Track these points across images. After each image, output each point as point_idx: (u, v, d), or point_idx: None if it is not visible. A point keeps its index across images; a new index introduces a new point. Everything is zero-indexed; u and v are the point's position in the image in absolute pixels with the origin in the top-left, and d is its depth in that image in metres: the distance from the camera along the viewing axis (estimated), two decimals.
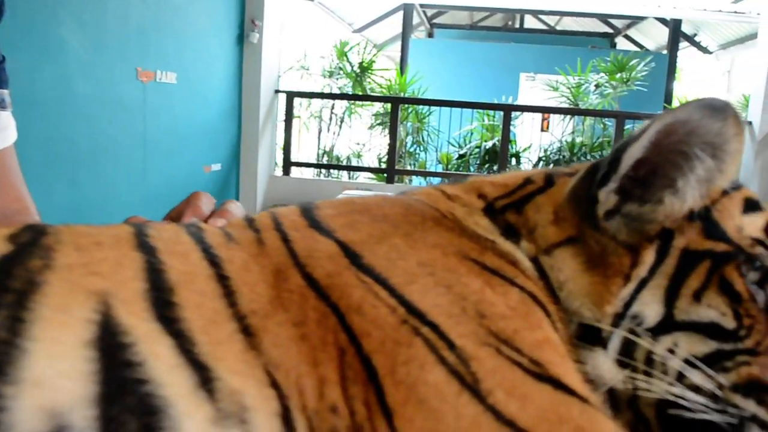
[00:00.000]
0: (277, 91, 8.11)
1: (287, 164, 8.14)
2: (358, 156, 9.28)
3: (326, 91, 9.00)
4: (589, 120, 8.79)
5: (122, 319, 0.46)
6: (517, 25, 16.40)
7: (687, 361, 0.57)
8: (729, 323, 0.57)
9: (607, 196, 0.62)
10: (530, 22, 16.39)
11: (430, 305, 0.51)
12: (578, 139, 8.70)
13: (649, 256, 0.61)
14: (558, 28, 16.50)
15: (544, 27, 16.30)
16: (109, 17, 5.03)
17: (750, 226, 0.62)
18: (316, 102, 8.79)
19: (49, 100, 4.38)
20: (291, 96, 8.08)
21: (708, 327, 0.57)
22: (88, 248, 0.52)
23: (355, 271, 0.54)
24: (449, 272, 0.55)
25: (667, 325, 0.58)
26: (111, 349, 0.44)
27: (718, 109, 0.58)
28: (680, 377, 0.56)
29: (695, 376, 0.56)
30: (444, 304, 0.51)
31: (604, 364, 0.59)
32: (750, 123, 7.31)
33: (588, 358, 0.59)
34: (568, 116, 8.88)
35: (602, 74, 9.17)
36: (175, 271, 0.52)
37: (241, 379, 0.46)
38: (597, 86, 9.09)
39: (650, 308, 0.59)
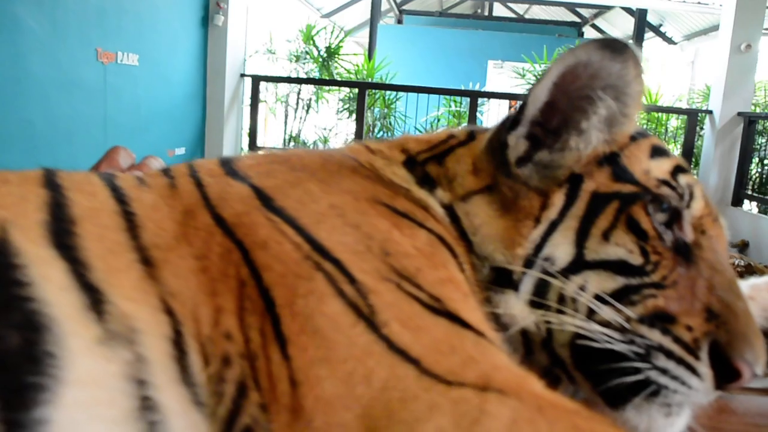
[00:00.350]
0: (242, 75, 8.02)
1: (253, 149, 8.06)
2: (325, 141, 9.23)
3: (293, 75, 8.92)
4: None
5: (17, 243, 0.47)
6: (486, 13, 16.46)
7: (597, 297, 0.59)
8: (636, 260, 0.60)
9: (516, 141, 0.65)
10: (499, 11, 16.47)
11: (335, 243, 0.53)
12: None
13: (558, 199, 0.63)
14: (526, 16, 16.60)
15: (512, 15, 16.38)
16: None
17: (656, 169, 0.65)
18: (283, 86, 8.70)
19: (2, 80, 4.27)
20: (257, 80, 7.99)
21: (616, 264, 0.60)
22: None
23: (265, 211, 0.55)
24: (359, 214, 0.57)
25: (578, 264, 0.61)
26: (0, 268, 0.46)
27: (617, 50, 0.60)
28: (591, 313, 0.59)
29: (605, 311, 0.58)
30: (349, 242, 0.53)
31: (516, 305, 0.61)
32: (710, 112, 7.46)
33: (500, 301, 0.61)
34: None
35: None
36: (79, 206, 0.53)
37: (134, 304, 0.48)
38: None
39: (561, 249, 0.61)
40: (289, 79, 8.75)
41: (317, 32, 8.90)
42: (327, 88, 8.90)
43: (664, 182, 0.63)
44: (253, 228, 0.54)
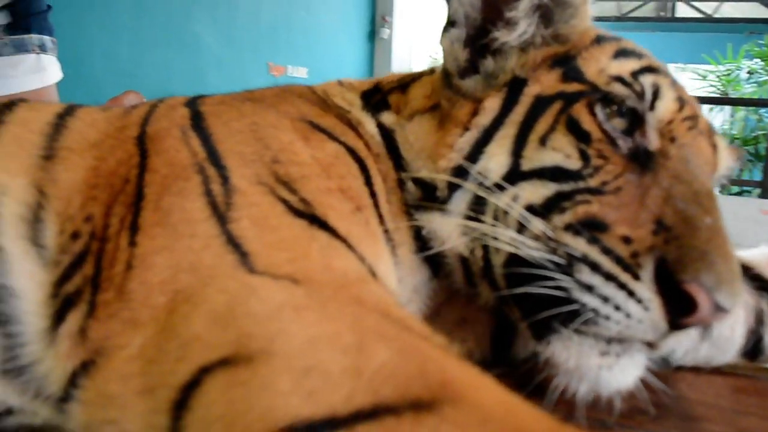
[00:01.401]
0: None
1: None
2: None
3: None
4: (742, 111, 8.01)
5: None
6: (669, 15, 15.42)
7: (529, 208, 0.52)
8: (573, 164, 0.52)
9: (451, 45, 0.60)
10: (682, 11, 15.34)
11: (229, 152, 0.54)
12: (731, 132, 7.96)
13: (493, 104, 0.57)
14: (715, 15, 15.30)
15: (698, 15, 15.18)
16: (242, 14, 5.36)
17: (615, 67, 0.56)
18: None
19: (182, 91, 4.73)
20: None
21: (551, 170, 0.53)
22: None
23: (186, 128, 0.58)
24: (271, 128, 0.58)
25: (514, 175, 0.54)
26: None
27: None
28: (521, 227, 0.52)
29: (533, 223, 0.51)
30: (245, 152, 0.54)
31: (443, 223, 0.56)
32: None
33: (424, 219, 0.57)
34: (719, 107, 8.15)
35: (756, 60, 8.31)
36: (20, 118, 0.62)
37: (9, 177, 0.55)
38: (750, 73, 8.26)
39: (495, 161, 0.55)
40: None
41: None
42: None
43: (618, 79, 0.54)
44: (161, 140, 0.57)
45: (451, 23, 0.60)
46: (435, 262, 0.59)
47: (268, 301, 0.40)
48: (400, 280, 0.56)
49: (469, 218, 0.55)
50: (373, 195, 0.57)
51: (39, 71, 1.21)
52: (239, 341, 0.37)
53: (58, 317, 0.49)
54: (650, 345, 0.49)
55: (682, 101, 0.56)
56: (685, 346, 0.61)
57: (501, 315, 0.60)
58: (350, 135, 0.60)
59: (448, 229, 0.56)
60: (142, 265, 0.47)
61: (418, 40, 8.51)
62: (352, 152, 0.58)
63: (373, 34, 7.73)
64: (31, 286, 0.51)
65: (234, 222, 0.48)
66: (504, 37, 0.58)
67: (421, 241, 0.59)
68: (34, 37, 1.20)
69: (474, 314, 0.60)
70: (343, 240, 0.48)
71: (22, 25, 1.19)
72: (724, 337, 0.59)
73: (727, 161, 0.60)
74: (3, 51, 1.17)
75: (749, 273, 0.62)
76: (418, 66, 8.45)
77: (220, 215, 0.49)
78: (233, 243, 0.47)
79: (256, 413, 0.33)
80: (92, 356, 0.45)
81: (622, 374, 0.49)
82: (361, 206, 0.53)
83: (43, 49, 1.22)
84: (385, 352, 0.35)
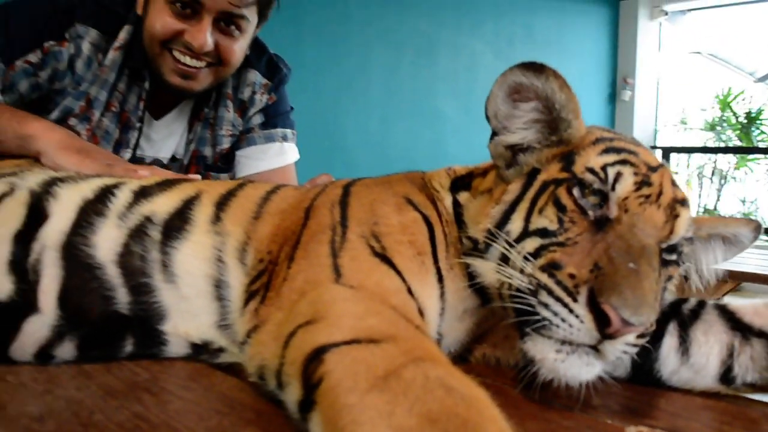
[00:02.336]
0: (653, 147, 7.91)
1: None
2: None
3: (708, 145, 8.39)
4: None
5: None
6: None
7: (526, 256, 0.72)
8: (552, 226, 0.72)
9: (495, 148, 0.85)
10: None
11: (352, 218, 0.81)
12: None
13: (515, 187, 0.80)
14: None
15: None
16: (480, 86, 5.71)
17: (594, 161, 0.75)
18: (697, 157, 8.24)
19: (425, 159, 5.17)
20: (667, 151, 7.78)
21: (541, 231, 0.73)
22: None
23: (335, 203, 0.87)
24: (380, 203, 0.84)
25: (523, 235, 0.75)
26: None
27: (538, 69, 0.77)
28: (522, 269, 0.72)
29: (525, 265, 0.72)
30: (361, 218, 0.81)
31: (482, 266, 0.77)
32: None
33: (474, 262, 0.79)
34: None
35: None
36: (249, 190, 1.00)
37: (233, 227, 0.88)
38: None
39: (515, 225, 0.76)
40: (703, 149, 8.27)
41: (734, 98, 8.23)
42: (750, 156, 8.10)
43: (590, 170, 0.73)
44: (318, 209, 0.86)
45: (494, 134, 0.86)
46: (484, 294, 0.81)
47: (334, 295, 0.69)
48: (452, 304, 0.80)
49: (499, 263, 0.76)
50: (433, 246, 0.81)
51: (281, 155, 1.62)
52: (314, 313, 0.65)
53: (245, 302, 0.81)
54: (595, 349, 0.66)
55: (641, 184, 0.74)
56: (669, 367, 0.77)
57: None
58: (430, 208, 0.86)
59: (486, 269, 0.77)
60: (290, 279, 0.76)
61: (662, 101, 8.19)
62: (426, 219, 0.83)
63: (613, 96, 7.63)
64: (236, 283, 0.84)
65: (340, 258, 0.77)
66: (508, 139, 0.83)
67: (473, 278, 0.81)
68: (279, 131, 1.61)
69: (514, 332, 0.78)
70: (397, 271, 0.74)
71: (271, 123, 1.60)
72: (700, 364, 0.75)
73: (684, 227, 0.75)
74: (257, 141, 1.58)
75: (732, 317, 0.76)
76: (663, 128, 8.10)
77: (335, 254, 0.77)
78: (335, 269, 0.75)
79: (311, 341, 0.59)
80: (258, 324, 0.76)
81: (573, 367, 0.67)
82: (421, 252, 0.79)
83: (285, 139, 1.63)
84: (377, 322, 0.62)
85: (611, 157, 0.76)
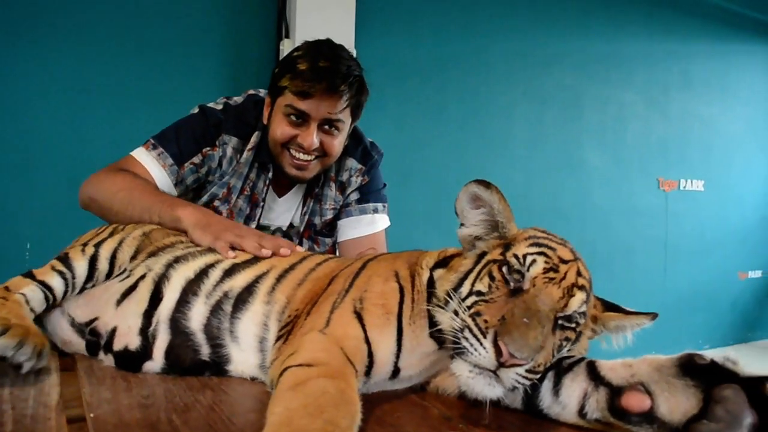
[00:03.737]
0: None
1: None
2: None
3: None
4: None
5: None
6: None
7: (464, 310, 0.99)
8: (484, 289, 0.98)
9: (464, 235, 1.12)
10: None
11: (355, 286, 1.11)
12: None
13: (469, 262, 1.08)
14: None
15: None
16: (630, 135, 5.71)
17: (519, 250, 1.01)
18: None
19: (570, 210, 5.27)
20: None
21: (477, 292, 0.99)
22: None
23: (351, 274, 1.17)
24: (376, 275, 1.13)
25: (469, 294, 1.01)
26: None
27: (486, 185, 1.04)
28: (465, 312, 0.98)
29: (464, 314, 0.98)
30: (360, 285, 1.10)
31: (443, 316, 1.03)
32: None
33: (438, 315, 1.05)
34: None
35: None
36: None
37: (280, 295, 1.18)
38: None
39: (465, 288, 1.02)
40: None
41: None
42: None
43: (515, 256, 0.98)
44: (337, 279, 1.17)
45: (461, 225, 1.12)
46: (440, 340, 1.07)
47: (311, 338, 1.00)
48: (409, 347, 1.06)
49: (452, 314, 1.01)
50: (400, 308, 1.08)
51: (372, 224, 2.00)
52: (296, 348, 0.96)
53: (275, 341, 1.11)
54: (495, 374, 0.90)
55: (551, 267, 0.98)
56: (546, 403, 0.98)
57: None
58: (408, 281, 1.13)
59: (444, 318, 1.02)
60: (303, 327, 1.05)
61: None
62: (401, 288, 1.11)
63: None
64: (272, 337, 1.14)
65: (333, 313, 1.05)
66: (467, 230, 1.11)
67: (434, 325, 1.06)
68: (371, 205, 2.00)
69: None
70: (362, 324, 1.03)
71: (364, 199, 2.01)
72: (565, 402, 0.94)
73: (577, 305, 0.97)
74: (353, 213, 1.98)
75: (593, 369, 0.94)
76: None
77: (332, 310, 1.06)
78: (327, 321, 1.04)
79: (286, 363, 0.91)
80: (277, 356, 1.03)
81: (479, 384, 0.91)
82: (388, 312, 1.06)
83: (375, 211, 2.01)
84: (322, 355, 0.93)
85: (533, 249, 1.02)
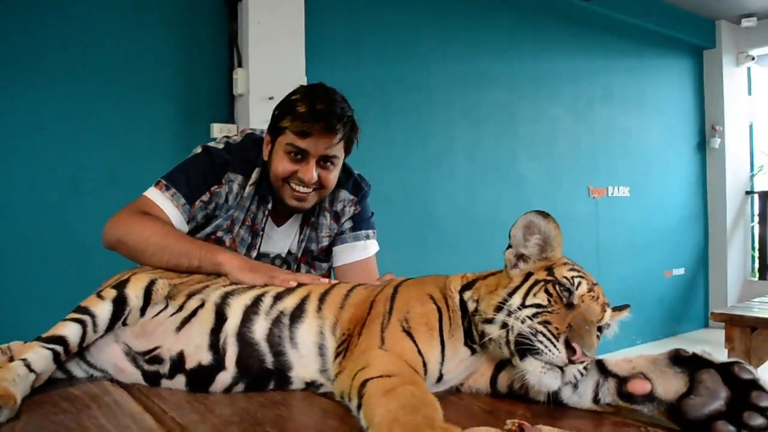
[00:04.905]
0: (748, 192, 7.89)
1: (763, 268, 7.71)
2: None
3: None
4: None
5: None
6: None
7: (524, 318, 1.13)
8: (544, 302, 1.14)
9: (509, 256, 1.27)
10: None
11: (395, 309, 1.27)
12: None
13: (517, 280, 1.22)
14: None
15: None
16: (559, 147, 6.10)
17: (565, 273, 1.18)
18: None
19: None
20: (765, 195, 7.74)
21: (536, 305, 1.14)
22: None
23: (387, 298, 1.32)
24: (412, 299, 1.29)
25: (522, 305, 1.16)
26: None
27: (545, 215, 1.21)
28: (522, 322, 1.13)
29: (529, 321, 1.13)
30: (400, 309, 1.26)
31: (491, 328, 1.19)
32: None
33: (486, 328, 1.20)
34: None
35: None
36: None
37: (329, 314, 1.34)
38: None
39: (515, 300, 1.18)
40: None
41: None
42: None
43: (565, 277, 1.16)
44: (377, 303, 1.32)
45: (509, 246, 1.27)
46: (472, 348, 1.24)
47: (376, 354, 1.12)
48: (450, 356, 1.22)
49: (504, 323, 1.17)
50: (440, 325, 1.24)
51: (365, 249, 2.20)
52: (365, 363, 1.06)
53: (334, 358, 1.25)
54: (562, 369, 1.06)
55: (591, 288, 1.16)
56: (566, 394, 1.16)
57: (499, 366, 1.26)
58: (443, 302, 1.29)
59: (493, 329, 1.19)
60: (358, 345, 1.20)
61: (758, 145, 8.16)
62: (438, 309, 1.27)
63: (702, 145, 7.74)
64: (330, 346, 1.28)
65: (384, 333, 1.20)
66: (519, 251, 1.26)
67: (468, 338, 1.24)
68: (363, 232, 2.20)
69: (485, 370, 1.26)
70: (413, 340, 1.19)
71: (357, 227, 2.19)
72: (581, 393, 1.13)
73: (608, 316, 1.17)
74: (347, 240, 2.17)
75: (601, 364, 1.14)
76: (761, 172, 8.05)
77: (382, 330, 1.21)
78: (381, 339, 1.18)
79: (362, 377, 1.03)
80: (340, 370, 1.18)
81: (550, 379, 1.06)
82: (431, 329, 1.22)
83: (367, 237, 2.22)
84: (393, 367, 1.05)
85: (574, 273, 1.20)
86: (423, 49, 5.09)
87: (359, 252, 2.18)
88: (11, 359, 1.24)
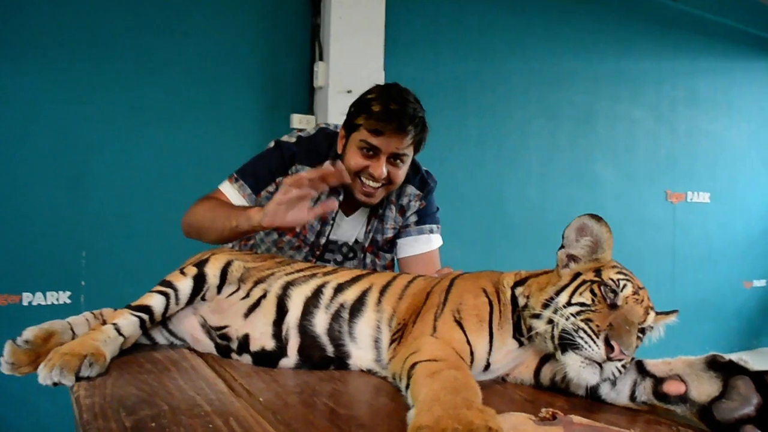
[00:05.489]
0: None
1: None
2: None
3: None
4: None
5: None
6: None
7: (568, 315, 1.18)
8: (588, 301, 1.18)
9: (561, 256, 1.32)
10: None
11: (449, 300, 1.34)
12: None
13: (565, 279, 1.27)
14: None
15: None
16: (640, 149, 5.96)
17: (611, 275, 1.22)
18: None
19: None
20: None
21: (580, 303, 1.19)
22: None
23: (443, 290, 1.40)
24: (466, 291, 1.36)
25: (567, 304, 1.21)
26: None
27: (598, 219, 1.25)
28: (566, 319, 1.17)
29: (573, 318, 1.17)
30: (454, 300, 1.33)
31: (538, 323, 1.24)
32: None
33: (533, 323, 1.26)
34: None
35: None
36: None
37: (387, 305, 1.42)
38: None
39: (563, 299, 1.22)
40: None
41: None
42: None
43: (611, 279, 1.19)
44: (433, 294, 1.39)
45: (561, 246, 1.32)
46: (519, 341, 1.30)
47: (427, 340, 1.20)
48: (497, 347, 1.28)
49: (548, 319, 1.22)
50: (490, 317, 1.30)
51: (428, 243, 2.28)
52: (416, 348, 1.15)
53: (389, 344, 1.34)
54: (600, 366, 1.10)
55: (636, 291, 1.20)
56: (605, 390, 1.20)
57: (543, 359, 1.31)
58: (494, 296, 1.35)
59: (539, 323, 1.24)
60: (412, 333, 1.28)
61: None
62: (490, 302, 1.33)
63: None
64: (385, 338, 1.36)
65: (437, 322, 1.27)
66: (570, 251, 1.31)
67: (517, 331, 1.29)
68: (427, 227, 2.28)
69: (531, 363, 1.31)
70: (463, 330, 1.25)
71: (422, 221, 2.28)
72: (618, 390, 1.17)
73: (650, 319, 1.21)
74: (411, 233, 2.26)
75: (640, 365, 1.18)
76: None
77: (435, 320, 1.28)
78: (434, 328, 1.25)
79: (412, 360, 1.11)
80: (393, 355, 1.27)
81: (588, 374, 1.10)
82: (482, 320, 1.28)
83: (431, 231, 2.30)
84: (441, 353, 1.12)
85: (621, 276, 1.23)
86: (501, 47, 5.09)
87: (422, 245, 2.26)
88: (104, 323, 1.40)
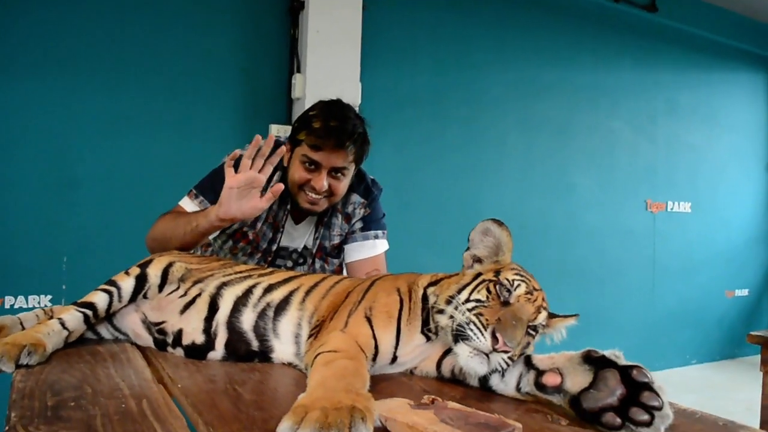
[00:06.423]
0: None
1: None
2: None
3: None
4: None
5: None
6: None
7: (464, 310, 1.28)
8: (483, 298, 1.28)
9: (467, 257, 1.43)
10: None
11: (366, 299, 1.44)
12: None
13: (468, 278, 1.38)
14: None
15: None
16: (618, 158, 6.07)
17: (508, 275, 1.33)
18: None
19: (559, 230, 5.61)
20: None
21: (477, 300, 1.29)
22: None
23: (363, 289, 1.50)
24: (382, 291, 1.46)
25: (466, 300, 1.31)
26: None
27: (499, 222, 1.36)
28: (462, 314, 1.28)
29: (468, 313, 1.27)
30: (370, 298, 1.43)
31: (441, 318, 1.34)
32: None
33: (438, 318, 1.35)
34: None
35: None
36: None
37: (310, 304, 1.53)
38: None
39: (463, 296, 1.32)
40: None
41: None
42: None
43: (507, 279, 1.30)
44: (353, 293, 1.49)
45: (467, 249, 1.42)
46: (427, 336, 1.38)
47: (336, 335, 1.29)
48: (404, 341, 1.37)
49: (452, 315, 1.30)
50: (399, 314, 1.39)
51: (373, 248, 2.38)
52: (325, 341, 1.26)
53: (308, 338, 1.43)
54: (487, 357, 1.20)
55: (530, 291, 1.30)
56: (494, 381, 1.30)
57: (446, 352, 1.39)
58: (407, 294, 1.44)
59: (443, 318, 1.33)
60: (326, 328, 1.38)
61: None
62: (402, 300, 1.42)
63: None
64: (304, 334, 1.45)
65: (350, 318, 1.36)
66: (474, 252, 1.41)
67: (425, 326, 1.38)
68: (372, 233, 2.37)
69: (434, 356, 1.39)
70: (371, 326, 1.35)
71: (366, 227, 2.38)
72: (507, 381, 1.26)
73: (542, 318, 1.31)
74: (357, 239, 2.36)
75: (528, 358, 1.27)
76: None
77: (349, 316, 1.37)
78: (345, 323, 1.35)
79: (318, 350, 1.21)
80: (309, 348, 1.36)
81: (476, 363, 1.21)
82: (391, 316, 1.38)
83: (376, 237, 2.40)
84: (344, 346, 1.22)
85: (517, 277, 1.34)
86: (479, 59, 5.21)
87: (368, 250, 2.38)
88: (51, 318, 1.52)
